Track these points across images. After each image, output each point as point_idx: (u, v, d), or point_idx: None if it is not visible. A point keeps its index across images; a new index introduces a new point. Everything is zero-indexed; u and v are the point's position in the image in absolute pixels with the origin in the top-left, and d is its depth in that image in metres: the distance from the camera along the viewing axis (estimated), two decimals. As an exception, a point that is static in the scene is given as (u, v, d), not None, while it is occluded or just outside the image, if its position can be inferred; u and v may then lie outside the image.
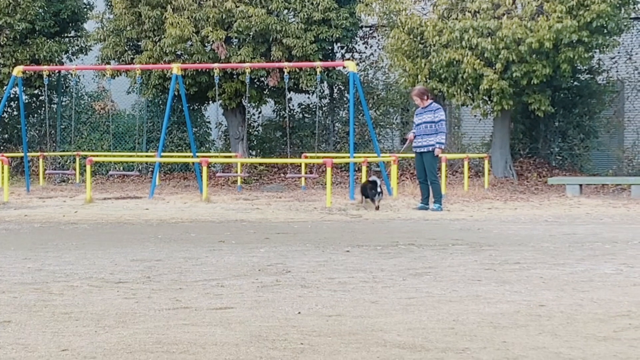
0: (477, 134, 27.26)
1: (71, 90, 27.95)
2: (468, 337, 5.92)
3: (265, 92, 25.81)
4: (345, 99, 27.26)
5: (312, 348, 5.61)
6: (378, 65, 27.72)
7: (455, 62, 22.05)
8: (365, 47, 27.78)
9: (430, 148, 16.71)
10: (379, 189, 16.79)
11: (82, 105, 28.43)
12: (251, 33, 24.08)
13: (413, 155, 17.73)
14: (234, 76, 24.78)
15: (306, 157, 22.98)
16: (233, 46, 24.59)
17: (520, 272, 8.87)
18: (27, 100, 27.89)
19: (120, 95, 27.96)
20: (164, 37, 24.05)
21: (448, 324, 6.33)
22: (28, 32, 26.51)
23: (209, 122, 28.32)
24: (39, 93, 28.05)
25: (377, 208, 16.70)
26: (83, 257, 10.04)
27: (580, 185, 21.38)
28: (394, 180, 19.40)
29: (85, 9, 27.99)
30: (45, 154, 25.27)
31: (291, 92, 25.46)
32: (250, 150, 27.24)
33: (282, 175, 25.45)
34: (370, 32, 27.60)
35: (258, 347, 5.64)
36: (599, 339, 5.86)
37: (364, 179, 18.46)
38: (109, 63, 25.28)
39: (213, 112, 27.31)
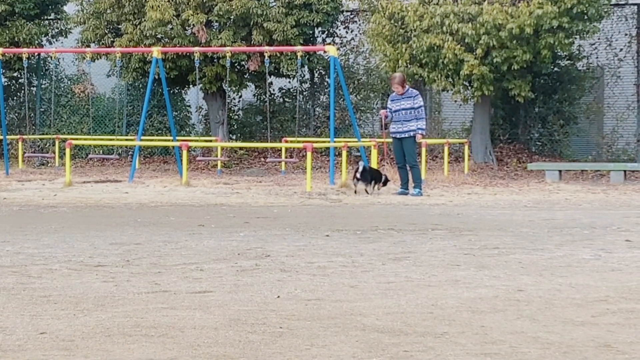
0: (458, 120, 27.30)
1: (51, 73, 27.82)
2: (447, 321, 5.94)
3: (245, 76, 25.77)
4: (325, 83, 27.24)
5: (291, 332, 5.61)
6: (359, 50, 27.69)
7: (435, 48, 22.05)
8: (346, 32, 27.75)
9: (412, 133, 16.73)
10: (358, 175, 16.88)
11: (62, 88, 28.31)
12: (232, 17, 24.02)
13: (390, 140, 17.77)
14: (215, 60, 24.72)
15: (286, 142, 22.98)
16: (214, 30, 24.53)
17: (499, 257, 8.90)
18: (6, 83, 27.74)
19: (100, 78, 27.84)
20: (145, 20, 23.96)
21: (427, 309, 6.34)
22: (7, 15, 26.35)
23: (189, 106, 28.25)
24: (19, 76, 27.91)
25: (355, 192, 16.84)
26: (62, 241, 10.01)
27: (560, 171, 21.46)
28: (374, 165, 19.39)
29: (65, -9, 27.85)
30: (24, 137, 25.16)
31: (272, 77, 25.41)
32: (230, 135, 27.21)
33: (262, 159, 25.44)
34: (351, 16, 27.57)
35: (237, 330, 5.64)
36: (577, 324, 5.88)
37: (344, 164, 18.47)
38: (89, 46, 25.18)
39: (193, 96, 27.26)
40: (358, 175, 16.90)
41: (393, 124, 16.99)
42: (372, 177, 17.08)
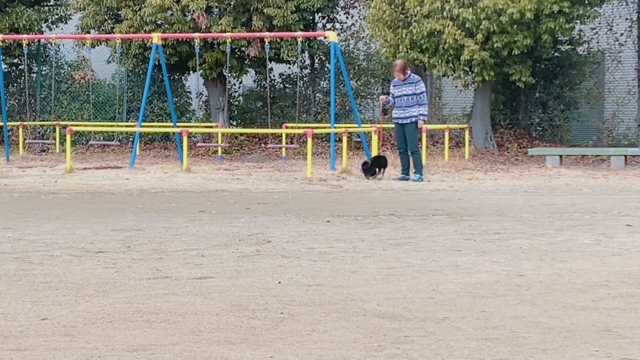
0: (458, 105, 27.29)
1: (51, 59, 27.79)
2: (447, 306, 5.94)
3: (246, 62, 25.74)
4: (326, 69, 27.21)
5: (292, 317, 5.62)
6: (359, 36, 27.67)
7: (436, 33, 22.02)
8: (347, 17, 27.72)
9: (413, 119, 16.74)
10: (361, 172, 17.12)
11: (62, 75, 28.29)
12: (232, 2, 23.99)
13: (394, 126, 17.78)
14: (215, 46, 24.69)
15: (287, 128, 22.97)
16: (214, 16, 24.49)
17: (499, 242, 8.90)
18: (6, 70, 27.72)
19: (101, 64, 27.82)
20: (144, 6, 23.93)
21: (428, 294, 6.35)
22: (7, 1, 26.31)
23: (189, 92, 28.24)
24: (19, 62, 27.89)
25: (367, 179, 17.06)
26: (63, 227, 10.01)
27: (560, 156, 21.46)
28: (374, 151, 19.39)
29: (65, -23, 27.79)
30: (25, 123, 25.15)
31: (272, 62, 25.39)
32: (231, 121, 27.20)
33: (262, 145, 25.43)
34: (352, 2, 27.53)
35: (238, 316, 5.65)
36: (578, 309, 5.89)
37: (345, 150, 18.47)
38: (89, 32, 25.14)
39: (194, 82, 27.24)
40: (361, 172, 17.12)
41: (395, 110, 17.00)
42: (378, 165, 17.21)
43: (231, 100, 27.44)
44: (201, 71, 25.05)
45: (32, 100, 28.04)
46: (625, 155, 21.08)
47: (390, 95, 17.17)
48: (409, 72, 17.11)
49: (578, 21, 22.95)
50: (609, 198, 13.90)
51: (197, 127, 25.01)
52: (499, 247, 8.58)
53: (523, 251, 8.32)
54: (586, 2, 21.89)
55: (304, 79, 27.60)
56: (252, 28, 23.94)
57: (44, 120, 27.10)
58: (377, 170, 17.12)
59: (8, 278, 6.95)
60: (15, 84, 28.64)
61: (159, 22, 24.38)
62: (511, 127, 25.85)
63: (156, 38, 20.44)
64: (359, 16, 27.42)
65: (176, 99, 26.84)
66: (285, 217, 11.01)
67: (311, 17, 26.15)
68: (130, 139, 25.56)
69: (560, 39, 24.27)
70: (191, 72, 26.61)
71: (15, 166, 20.01)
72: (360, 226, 10.16)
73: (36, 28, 26.64)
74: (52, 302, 6.08)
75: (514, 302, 6.09)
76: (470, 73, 23.24)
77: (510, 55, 22.08)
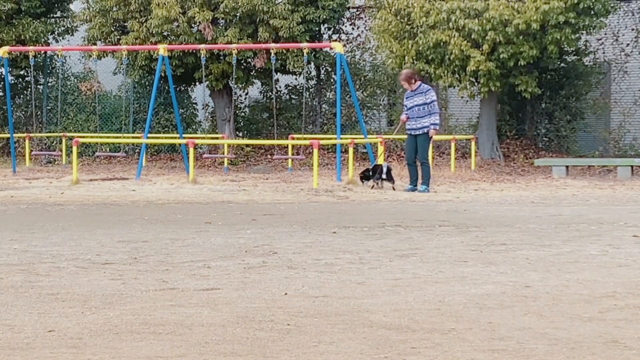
0: (464, 116, 27.29)
1: (57, 71, 27.85)
2: (454, 317, 5.94)
3: (252, 74, 25.77)
4: (332, 80, 27.22)
5: (298, 329, 5.62)
6: (365, 47, 27.69)
7: (442, 44, 22.02)
8: (352, 29, 27.75)
9: (425, 130, 16.72)
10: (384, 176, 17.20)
11: (69, 86, 28.35)
12: (238, 14, 24.02)
13: (400, 137, 17.78)
14: (221, 57, 24.72)
15: (293, 139, 22.98)
16: (220, 27, 24.53)
17: (506, 253, 8.90)
18: (13, 81, 27.77)
19: (107, 76, 27.86)
20: (151, 17, 23.98)
21: (434, 305, 6.34)
22: (14, 13, 26.38)
23: (195, 104, 28.27)
24: (25, 74, 27.93)
25: (372, 187, 17.23)
26: (69, 239, 10.02)
27: (567, 166, 21.44)
28: (380, 162, 19.39)
29: (71, -11, 27.85)
30: (31, 135, 25.19)
31: (278, 74, 25.42)
32: (237, 132, 27.21)
33: (268, 156, 25.44)
34: (357, 13, 27.57)
35: (244, 327, 5.65)
36: (584, 320, 5.88)
37: (351, 161, 18.50)
38: (95, 44, 25.20)
39: (200, 93, 27.28)
40: (384, 175, 17.13)
41: (409, 121, 16.93)
42: (383, 173, 17.33)
43: (237, 112, 27.47)
44: (207, 82, 25.09)
45: (39, 112, 28.08)
46: (632, 166, 21.05)
47: (404, 107, 17.16)
48: (418, 82, 17.06)
49: (584, 32, 22.94)
50: (616, 209, 13.89)
51: (203, 138, 25.03)
52: (505, 258, 8.57)
53: (530, 262, 8.31)
54: (592, 12, 21.89)
55: (310, 90, 27.62)
56: (258, 39, 23.98)
57: (50, 132, 27.14)
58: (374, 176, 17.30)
59: (15, 290, 6.96)
60: (21, 96, 28.70)
61: (165, 33, 24.42)
62: (517, 137, 25.83)
63: (162, 49, 20.48)
64: (365, 27, 27.46)
65: (182, 110, 26.87)
66: (292, 228, 11.02)
67: (317, 29, 26.16)
68: (137, 151, 25.58)
69: (566, 49, 24.26)
70: (197, 83, 26.65)
71: (22, 178, 20.03)
72: (367, 237, 10.15)
73: (43, 40, 26.70)
74: (58, 314, 6.09)
75: (521, 313, 6.09)
76: (476, 84, 23.25)
77: (516, 65, 22.09)
